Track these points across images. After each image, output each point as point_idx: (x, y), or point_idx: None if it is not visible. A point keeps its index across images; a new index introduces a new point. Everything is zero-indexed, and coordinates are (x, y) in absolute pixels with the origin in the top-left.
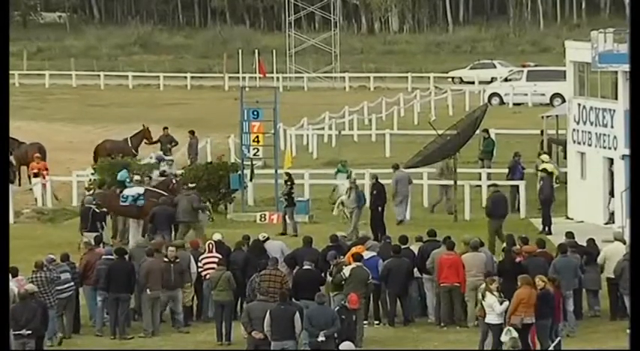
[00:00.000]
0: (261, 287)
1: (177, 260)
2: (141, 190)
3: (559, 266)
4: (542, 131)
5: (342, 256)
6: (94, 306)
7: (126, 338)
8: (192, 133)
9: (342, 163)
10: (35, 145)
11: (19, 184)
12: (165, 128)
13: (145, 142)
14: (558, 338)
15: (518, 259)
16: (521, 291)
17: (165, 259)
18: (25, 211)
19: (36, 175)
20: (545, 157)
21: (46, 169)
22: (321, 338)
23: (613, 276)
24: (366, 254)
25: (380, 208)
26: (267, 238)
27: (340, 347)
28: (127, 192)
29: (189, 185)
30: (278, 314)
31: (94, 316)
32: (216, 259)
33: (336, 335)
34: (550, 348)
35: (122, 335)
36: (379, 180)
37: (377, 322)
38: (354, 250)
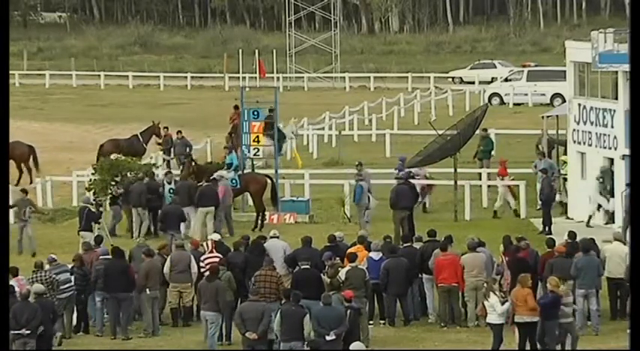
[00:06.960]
0: (256, 287)
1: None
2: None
3: (581, 265)
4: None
5: (337, 258)
6: (94, 306)
7: (126, 338)
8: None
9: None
10: (24, 145)
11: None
12: (165, 128)
13: (157, 142)
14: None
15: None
16: (514, 291)
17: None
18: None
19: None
20: (565, 157)
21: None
22: (330, 337)
23: (613, 276)
24: (376, 255)
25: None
26: (277, 236)
27: (350, 347)
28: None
29: None
30: (289, 315)
31: (93, 316)
32: (217, 259)
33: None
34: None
35: (122, 335)
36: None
37: (382, 321)
38: (351, 250)
